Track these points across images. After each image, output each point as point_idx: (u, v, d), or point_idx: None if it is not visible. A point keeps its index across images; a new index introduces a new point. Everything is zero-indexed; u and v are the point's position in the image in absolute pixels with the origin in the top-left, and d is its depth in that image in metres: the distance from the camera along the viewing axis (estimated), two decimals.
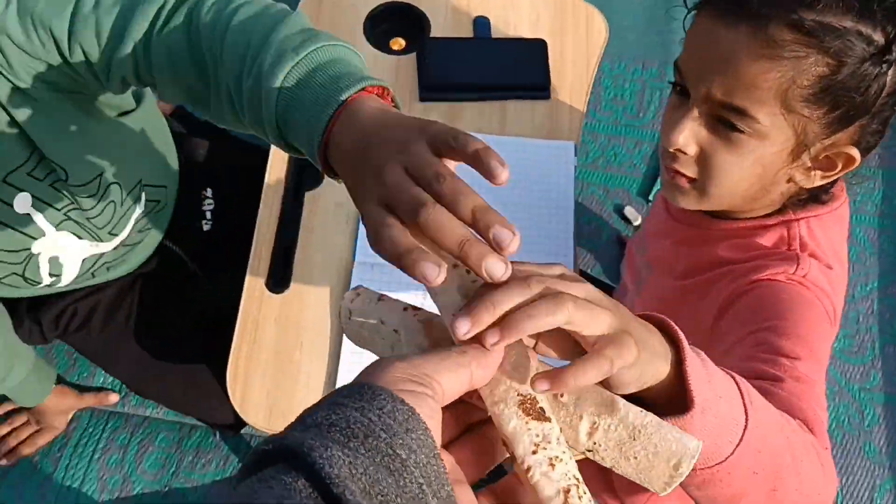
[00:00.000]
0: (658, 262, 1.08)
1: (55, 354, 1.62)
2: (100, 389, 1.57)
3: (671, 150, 0.82)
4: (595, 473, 1.32)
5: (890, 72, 0.72)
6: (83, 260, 1.17)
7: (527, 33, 1.41)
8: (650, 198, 1.89)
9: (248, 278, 1.19)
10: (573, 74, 1.39)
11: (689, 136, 0.80)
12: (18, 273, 1.12)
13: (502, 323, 0.45)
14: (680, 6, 0.82)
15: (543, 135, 1.33)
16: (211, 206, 1.41)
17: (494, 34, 1.41)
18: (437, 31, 1.40)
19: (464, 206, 0.49)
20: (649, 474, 0.47)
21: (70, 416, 1.55)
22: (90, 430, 1.55)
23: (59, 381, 1.48)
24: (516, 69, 1.38)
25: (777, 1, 0.71)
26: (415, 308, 0.53)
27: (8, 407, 1.51)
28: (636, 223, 1.86)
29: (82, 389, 1.56)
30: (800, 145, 0.77)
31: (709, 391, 0.50)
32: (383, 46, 1.39)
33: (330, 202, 1.26)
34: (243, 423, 1.47)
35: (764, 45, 0.72)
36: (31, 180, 1.00)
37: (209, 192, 1.41)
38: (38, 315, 1.31)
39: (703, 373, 0.51)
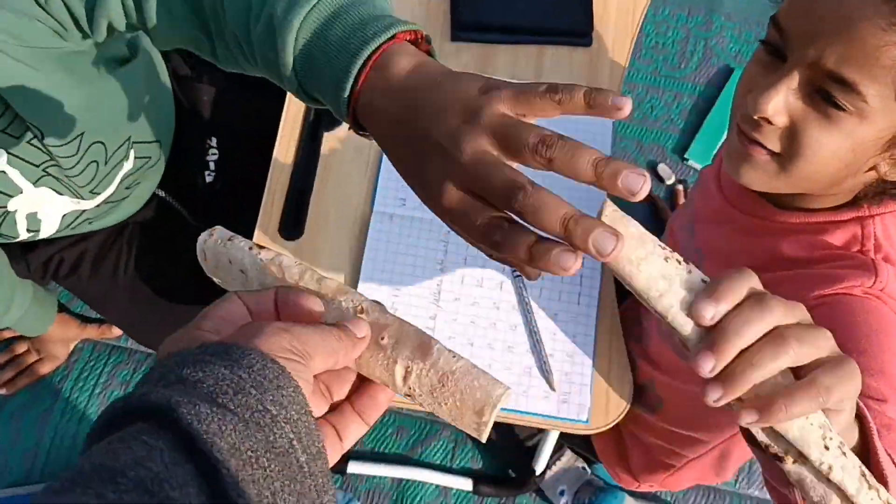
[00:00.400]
0: (712, 252, 0.98)
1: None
2: (103, 321, 1.53)
3: (756, 116, 0.71)
4: (612, 449, 1.28)
5: None
6: (63, 215, 1.11)
7: None
8: (686, 156, 1.80)
9: (259, 222, 1.13)
10: (617, 21, 1.29)
11: (782, 104, 0.69)
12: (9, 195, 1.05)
13: (725, 379, 0.43)
14: None
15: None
16: (215, 157, 1.33)
17: None
18: None
19: (583, 163, 0.45)
20: (462, 422, 0.47)
21: (72, 347, 1.52)
22: (91, 363, 1.51)
23: (62, 309, 1.44)
24: (557, 11, 1.28)
25: None
26: (259, 246, 0.53)
27: (7, 335, 1.48)
28: (669, 182, 1.78)
29: (85, 320, 1.53)
30: None
31: (890, 470, 0.46)
32: None
33: (349, 146, 1.18)
34: None
35: None
36: (6, 137, 0.92)
37: (213, 142, 1.33)
38: (28, 260, 1.27)
39: (882, 448, 0.46)
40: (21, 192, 1.01)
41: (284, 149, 1.17)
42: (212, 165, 1.34)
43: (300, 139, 1.18)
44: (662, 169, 1.78)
